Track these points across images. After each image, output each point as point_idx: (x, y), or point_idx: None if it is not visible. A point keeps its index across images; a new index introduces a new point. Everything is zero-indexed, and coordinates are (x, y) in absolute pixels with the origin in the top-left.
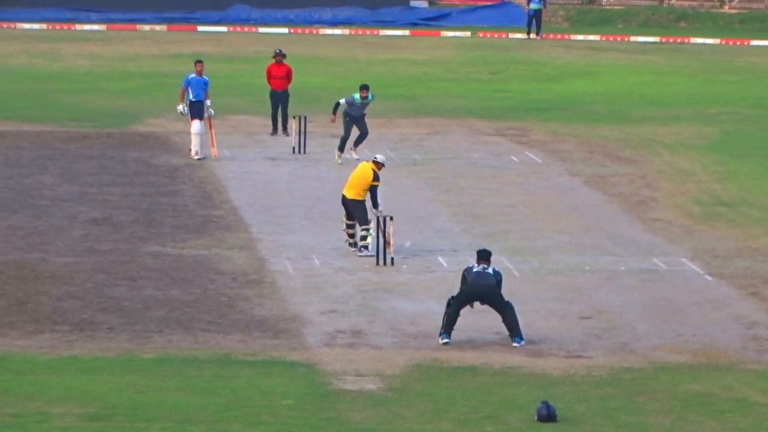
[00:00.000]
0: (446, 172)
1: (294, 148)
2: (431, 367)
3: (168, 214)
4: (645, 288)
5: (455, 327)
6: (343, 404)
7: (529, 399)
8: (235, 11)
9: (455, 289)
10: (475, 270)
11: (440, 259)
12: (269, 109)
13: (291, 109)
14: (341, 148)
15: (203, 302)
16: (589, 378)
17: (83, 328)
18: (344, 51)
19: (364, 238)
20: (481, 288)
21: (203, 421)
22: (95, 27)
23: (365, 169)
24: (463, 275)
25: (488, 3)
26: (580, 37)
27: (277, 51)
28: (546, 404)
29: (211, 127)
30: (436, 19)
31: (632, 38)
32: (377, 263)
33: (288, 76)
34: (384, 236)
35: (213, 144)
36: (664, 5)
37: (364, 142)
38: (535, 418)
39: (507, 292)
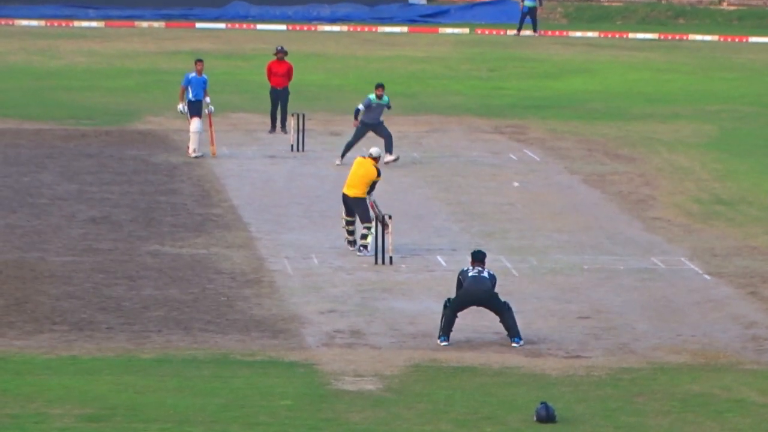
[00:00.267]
0: (445, 170)
1: (292, 145)
2: (430, 367)
3: (167, 212)
4: (644, 287)
5: (453, 328)
6: (341, 405)
7: (528, 399)
8: (233, 8)
9: (454, 289)
10: (471, 275)
11: (439, 258)
12: (268, 107)
13: (289, 107)
14: (343, 155)
15: (202, 302)
16: (588, 378)
17: (82, 328)
18: (343, 48)
19: (364, 236)
20: (477, 293)
21: (202, 422)
22: (93, 24)
23: (367, 166)
24: (459, 280)
25: (486, 0)
26: (578, 34)
27: (279, 48)
28: (545, 405)
29: (210, 125)
30: (434, 16)
31: (631, 35)
32: (376, 262)
33: (289, 74)
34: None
35: (212, 142)
36: (663, 2)
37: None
38: (534, 418)
39: (506, 291)
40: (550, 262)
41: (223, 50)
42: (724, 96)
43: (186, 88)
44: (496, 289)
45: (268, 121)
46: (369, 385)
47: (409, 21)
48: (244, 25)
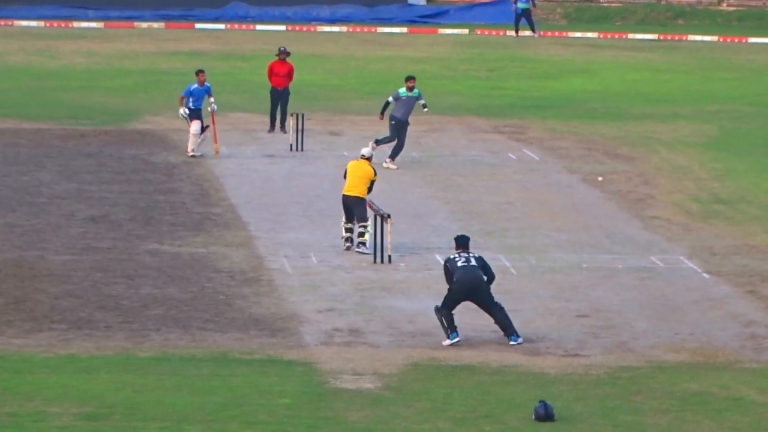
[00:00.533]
0: (444, 170)
1: (291, 145)
2: (428, 365)
3: (166, 211)
4: (643, 286)
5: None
6: (340, 403)
7: (526, 398)
8: (233, 8)
9: None
10: (460, 264)
11: (438, 257)
12: (267, 107)
13: (289, 107)
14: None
15: (201, 300)
16: (586, 377)
17: (81, 326)
18: (342, 48)
19: (362, 235)
20: (470, 282)
21: (200, 420)
22: (93, 24)
23: (363, 167)
24: (446, 267)
25: (486, 0)
26: (578, 34)
27: (282, 49)
28: (543, 403)
29: (213, 123)
30: (434, 16)
31: (630, 35)
32: (375, 261)
33: (290, 75)
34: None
35: (215, 140)
36: (662, 2)
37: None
38: (533, 417)
39: (505, 290)
40: (549, 261)
41: (223, 51)
42: (723, 96)
43: (186, 97)
44: (492, 288)
45: (268, 120)
46: (368, 384)
47: (409, 22)
48: (244, 26)
